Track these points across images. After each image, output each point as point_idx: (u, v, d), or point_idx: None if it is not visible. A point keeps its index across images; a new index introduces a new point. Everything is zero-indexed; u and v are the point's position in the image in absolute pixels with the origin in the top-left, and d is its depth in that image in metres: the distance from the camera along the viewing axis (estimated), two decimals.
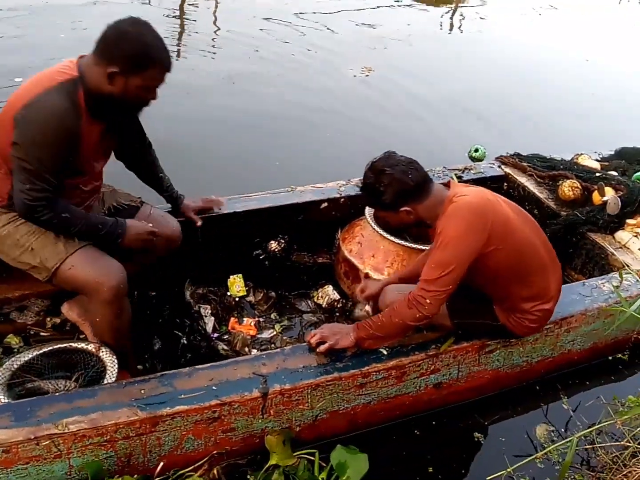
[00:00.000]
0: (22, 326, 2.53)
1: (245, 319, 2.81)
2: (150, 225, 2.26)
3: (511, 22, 8.43)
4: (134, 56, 1.91)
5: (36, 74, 2.01)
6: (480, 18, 8.53)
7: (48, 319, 2.56)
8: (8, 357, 2.37)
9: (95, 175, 2.23)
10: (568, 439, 2.34)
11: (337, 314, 2.90)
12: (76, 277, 2.07)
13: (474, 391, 2.45)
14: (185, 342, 2.57)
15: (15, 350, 2.44)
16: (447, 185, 2.12)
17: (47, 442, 1.77)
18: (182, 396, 1.92)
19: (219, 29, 6.88)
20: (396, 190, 1.98)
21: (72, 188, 2.12)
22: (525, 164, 3.41)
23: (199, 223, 2.63)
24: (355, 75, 5.97)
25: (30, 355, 2.13)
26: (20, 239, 2.09)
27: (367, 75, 6.01)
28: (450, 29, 8.14)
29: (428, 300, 1.98)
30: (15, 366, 2.08)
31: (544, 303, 2.19)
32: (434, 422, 2.41)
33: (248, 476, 2.07)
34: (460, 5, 9.14)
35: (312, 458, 2.11)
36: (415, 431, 2.38)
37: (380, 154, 2.07)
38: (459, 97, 5.71)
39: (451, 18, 8.58)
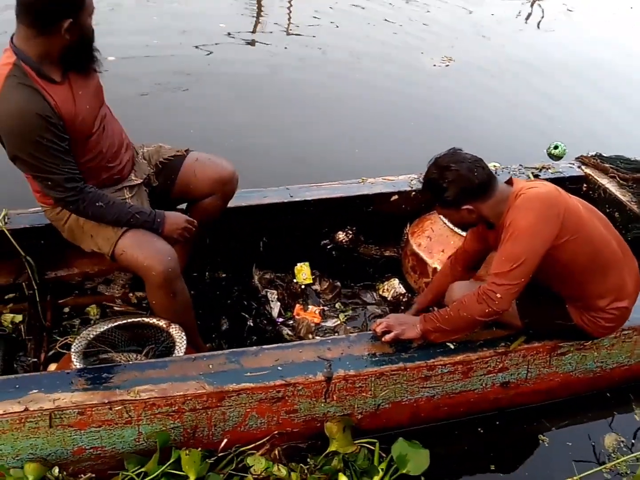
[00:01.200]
0: (109, 299, 2.65)
1: (310, 306, 2.83)
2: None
3: (600, 17, 8.07)
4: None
5: None
6: (568, 10, 8.20)
7: (131, 294, 2.67)
8: (85, 327, 2.50)
9: (107, 134, 2.15)
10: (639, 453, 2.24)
11: (402, 307, 2.87)
12: (128, 261, 2.13)
13: (542, 394, 2.36)
14: (252, 324, 2.61)
15: (92, 321, 2.55)
16: (509, 182, 2.06)
17: (119, 408, 1.85)
18: (249, 374, 1.96)
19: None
20: (460, 188, 1.94)
21: (95, 157, 2.10)
22: (607, 165, 3.25)
23: None
24: (435, 65, 5.89)
25: (105, 327, 2.21)
26: (82, 227, 2.18)
27: (447, 65, 5.91)
28: (534, 21, 7.89)
29: (499, 295, 1.92)
30: (91, 336, 2.17)
31: (620, 300, 2.09)
32: (498, 422, 2.35)
33: (308, 459, 2.08)
34: None
35: (373, 448, 2.10)
36: (479, 429, 2.32)
37: (445, 151, 2.03)
38: (539, 93, 5.54)
39: (531, 8, 8.29)
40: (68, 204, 2.05)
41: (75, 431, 1.85)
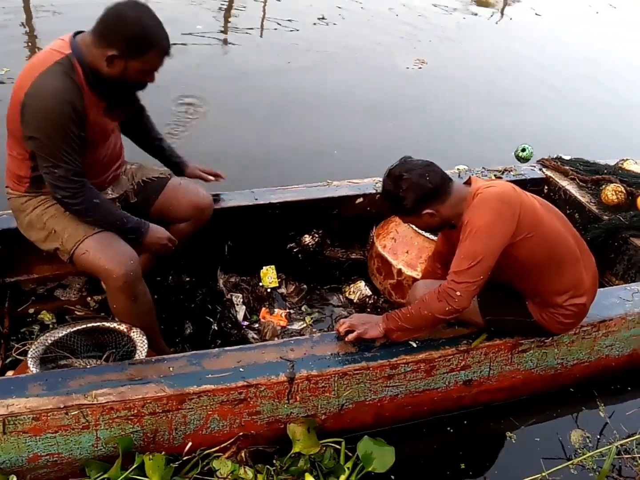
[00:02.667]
0: (68, 303, 2.60)
1: (276, 309, 2.82)
2: (165, 236, 2.25)
3: (566, 19, 8.25)
4: (134, 40, 1.92)
5: (32, 58, 2.02)
6: (536, 14, 8.38)
7: (89, 297, 2.62)
8: (43, 332, 2.44)
9: (108, 145, 2.21)
10: (606, 447, 2.27)
11: (369, 309, 2.87)
12: (89, 262, 2.10)
13: (505, 391, 2.38)
14: (216, 328, 2.59)
15: (49, 325, 2.50)
16: (467, 182, 2.09)
17: (76, 412, 1.80)
18: (210, 376, 1.93)
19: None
20: (416, 194, 1.96)
21: (90, 162, 2.12)
22: (567, 167, 3.33)
23: (211, 178, 2.59)
24: (407, 67, 5.97)
25: (63, 332, 2.16)
26: (45, 222, 2.14)
27: (419, 68, 6.00)
28: (504, 24, 8.04)
29: (458, 293, 1.95)
30: (49, 342, 2.12)
31: (578, 297, 2.12)
32: (465, 421, 2.37)
33: (274, 461, 2.06)
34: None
35: (339, 447, 2.09)
36: (445, 430, 2.33)
37: (396, 161, 2.05)
38: (509, 96, 5.66)
39: (501, 13, 8.46)
40: (67, 196, 2.02)
41: (30, 437, 1.81)
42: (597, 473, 2.21)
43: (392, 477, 2.11)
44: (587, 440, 2.36)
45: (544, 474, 2.17)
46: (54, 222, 2.13)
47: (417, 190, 1.96)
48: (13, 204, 2.20)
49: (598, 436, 2.39)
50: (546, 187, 3.32)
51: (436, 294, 1.99)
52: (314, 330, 2.75)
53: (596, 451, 2.29)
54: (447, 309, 1.97)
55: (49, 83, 1.89)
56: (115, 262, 2.06)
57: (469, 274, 1.93)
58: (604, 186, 3.10)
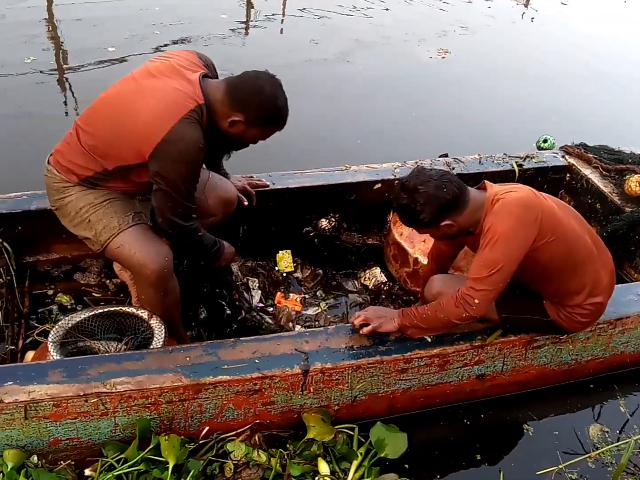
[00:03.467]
0: (87, 286, 2.64)
1: (291, 294, 2.84)
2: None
3: (593, 7, 8.00)
4: (264, 114, 2.05)
5: (157, 91, 2.01)
6: (562, 3, 8.13)
7: (108, 281, 2.65)
8: (64, 314, 2.49)
9: None
10: (624, 441, 2.28)
11: (383, 296, 2.89)
12: (123, 256, 2.13)
13: (518, 385, 2.40)
14: (230, 312, 2.61)
15: (68, 307, 2.54)
16: (481, 187, 2.06)
17: (95, 400, 1.85)
18: (225, 366, 1.96)
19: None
20: (434, 207, 1.92)
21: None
22: (591, 155, 3.25)
23: (246, 203, 2.59)
24: (431, 57, 5.89)
25: (83, 316, 2.20)
26: (82, 208, 2.14)
27: (443, 57, 5.92)
28: (529, 15, 7.83)
29: (476, 300, 1.94)
30: (70, 325, 2.16)
31: (595, 296, 2.11)
32: (480, 411, 2.38)
33: (288, 445, 2.09)
34: None
35: (352, 433, 2.12)
36: (459, 420, 2.35)
37: (409, 172, 2.02)
38: (533, 85, 5.53)
39: (525, 2, 8.22)
40: (186, 230, 2.11)
41: (51, 423, 1.86)
42: (616, 467, 2.21)
43: (406, 465, 2.14)
44: (606, 435, 2.36)
45: (560, 466, 2.18)
46: (90, 211, 2.14)
47: (434, 203, 1.92)
48: (51, 182, 2.18)
49: (617, 431, 2.39)
50: (568, 175, 3.25)
51: (454, 300, 1.98)
52: (328, 316, 2.77)
53: (614, 445, 2.29)
54: (464, 315, 1.97)
55: (188, 131, 1.97)
56: (151, 257, 2.08)
57: (489, 282, 1.92)
58: (627, 176, 3.03)
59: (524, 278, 2.08)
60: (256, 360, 2.00)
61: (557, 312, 2.14)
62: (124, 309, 2.26)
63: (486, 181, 2.06)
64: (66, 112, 4.48)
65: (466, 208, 1.97)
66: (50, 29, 5.73)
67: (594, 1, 8.35)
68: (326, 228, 3.00)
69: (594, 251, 2.11)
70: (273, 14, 6.57)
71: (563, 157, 3.29)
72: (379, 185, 2.97)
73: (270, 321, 2.67)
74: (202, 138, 2.00)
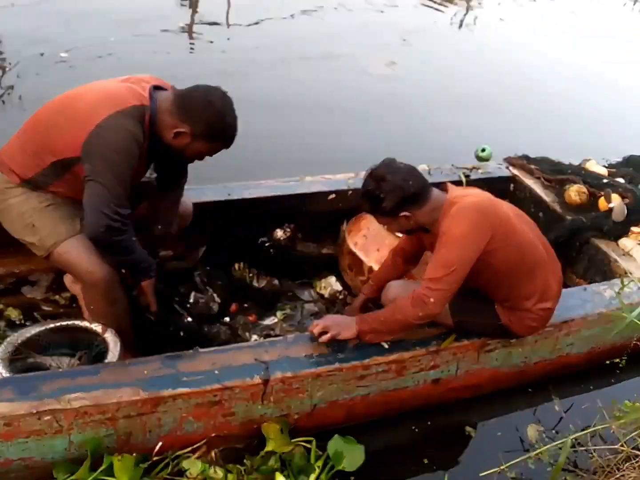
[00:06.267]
0: (31, 301, 2.56)
1: (246, 304, 2.82)
2: None
3: (527, 20, 8.38)
4: (210, 129, 2.02)
5: (104, 86, 2.02)
6: (500, 19, 8.48)
7: (57, 295, 2.58)
8: (12, 330, 2.39)
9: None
10: (561, 441, 2.37)
11: (339, 305, 2.91)
12: (69, 262, 2.09)
13: (471, 389, 2.47)
14: (190, 320, 2.57)
15: (17, 323, 2.45)
16: (443, 189, 2.14)
17: (48, 417, 1.79)
18: (185, 379, 1.94)
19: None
20: (396, 197, 2.00)
21: None
22: (533, 166, 3.41)
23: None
24: (377, 69, 6.03)
25: (34, 331, 2.14)
26: (25, 212, 2.09)
27: (392, 70, 6.07)
28: (466, 27, 8.12)
29: (432, 299, 2.00)
30: (19, 341, 2.09)
31: (545, 301, 2.21)
32: (429, 417, 2.43)
33: (245, 460, 2.09)
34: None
35: (309, 446, 2.13)
36: (412, 427, 2.40)
37: (380, 162, 2.08)
38: (473, 96, 5.73)
39: (464, 16, 8.54)
40: (115, 229, 1.98)
41: (2, 442, 1.78)
42: (554, 466, 2.30)
43: (352, 478, 2.13)
44: (544, 435, 2.46)
45: (503, 467, 2.25)
46: (34, 215, 2.08)
47: (398, 194, 2.00)
48: None
49: (553, 430, 2.49)
50: (512, 185, 3.40)
51: (410, 300, 2.04)
52: (284, 325, 2.77)
53: (552, 444, 2.39)
54: (420, 314, 2.03)
55: (124, 122, 1.93)
56: (98, 264, 2.05)
57: (444, 282, 1.99)
58: (567, 186, 3.20)
59: (477, 282, 2.15)
60: (216, 372, 1.98)
61: (508, 316, 2.22)
62: (76, 323, 2.20)
63: (449, 183, 2.14)
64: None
65: (426, 205, 2.05)
66: None
67: (531, 16, 8.74)
68: (281, 238, 3.02)
69: (546, 258, 2.21)
70: (214, 22, 6.55)
71: (507, 168, 3.44)
72: (333, 195, 3.01)
73: (226, 331, 2.65)
74: (139, 134, 1.95)
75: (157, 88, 2.08)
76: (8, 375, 1.94)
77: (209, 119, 2.01)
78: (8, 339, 2.08)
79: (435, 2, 8.60)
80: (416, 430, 2.40)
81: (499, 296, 2.21)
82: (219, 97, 2.04)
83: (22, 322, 2.50)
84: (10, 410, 1.76)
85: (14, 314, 2.51)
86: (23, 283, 2.61)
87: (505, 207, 2.14)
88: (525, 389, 2.62)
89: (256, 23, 6.70)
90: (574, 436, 2.37)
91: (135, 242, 2.11)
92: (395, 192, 1.99)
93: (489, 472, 2.21)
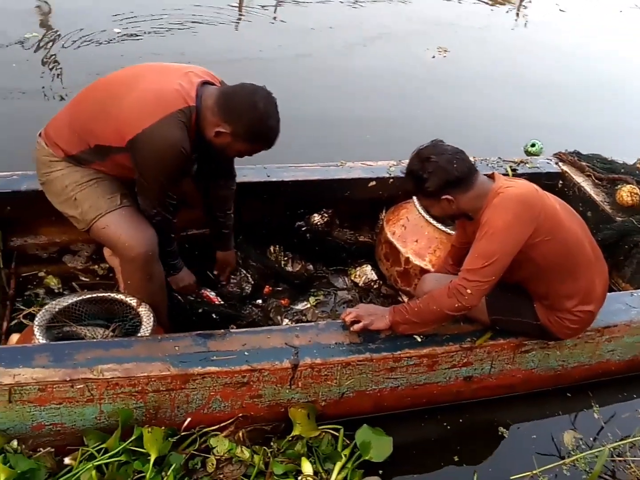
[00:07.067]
0: (70, 270, 2.61)
1: (280, 287, 2.81)
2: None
3: (590, 16, 8.06)
4: (252, 131, 2.00)
5: (155, 83, 2.01)
6: (560, 10, 8.19)
7: (97, 266, 2.62)
8: (50, 297, 2.45)
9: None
10: (598, 449, 2.30)
11: (373, 294, 2.88)
12: (109, 237, 2.11)
13: (504, 388, 2.41)
14: (221, 302, 2.58)
15: (55, 290, 2.50)
16: (491, 176, 2.07)
17: (81, 386, 1.83)
18: (215, 358, 1.95)
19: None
20: (440, 179, 1.96)
21: None
22: (584, 163, 3.28)
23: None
24: (434, 57, 5.92)
25: (71, 301, 2.17)
26: (67, 186, 2.11)
27: (444, 57, 5.95)
28: (522, 17, 7.89)
29: (469, 291, 1.95)
30: (56, 310, 2.12)
31: (587, 304, 2.13)
32: (462, 413, 2.39)
33: (272, 443, 2.09)
34: None
35: (337, 434, 2.12)
36: (443, 422, 2.36)
37: (427, 142, 2.04)
38: (526, 88, 5.58)
39: (518, 8, 8.28)
40: (155, 222, 2.13)
41: (35, 407, 1.83)
42: (589, 474, 2.24)
43: (380, 472, 2.11)
44: (580, 442, 2.39)
45: (535, 471, 2.20)
46: (76, 189, 2.11)
47: (441, 175, 1.96)
48: (40, 155, 2.16)
49: (591, 438, 2.41)
50: (561, 182, 3.27)
51: (446, 290, 2.00)
52: (316, 312, 2.75)
53: (589, 452, 2.32)
54: (456, 305, 1.98)
55: (169, 131, 1.93)
56: (137, 239, 2.06)
57: (482, 273, 1.94)
58: (619, 186, 3.06)
59: (517, 276, 2.09)
60: (246, 353, 1.99)
61: (547, 316, 2.15)
62: (112, 295, 2.23)
63: (496, 173, 2.08)
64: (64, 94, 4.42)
65: (470, 190, 1.99)
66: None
67: (591, 11, 8.42)
68: (318, 223, 2.98)
69: (592, 259, 2.13)
70: (264, 6, 6.50)
71: (556, 164, 3.31)
72: (374, 182, 2.96)
73: (259, 313, 2.66)
74: (185, 141, 1.97)
75: (206, 83, 2.06)
76: (44, 341, 1.97)
77: (251, 121, 1.98)
78: (46, 307, 2.12)
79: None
80: (447, 426, 2.36)
81: (538, 292, 2.14)
82: (262, 98, 2.00)
83: (61, 290, 2.56)
84: (45, 376, 1.80)
85: (53, 282, 2.57)
86: (65, 252, 2.66)
87: (553, 201, 2.07)
88: (562, 393, 2.55)
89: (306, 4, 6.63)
90: (612, 445, 2.31)
91: (165, 241, 2.17)
92: (438, 173, 1.95)
93: (521, 475, 2.18)
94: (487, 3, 8.09)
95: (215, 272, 2.62)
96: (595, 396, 2.56)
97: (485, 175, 2.08)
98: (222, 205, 2.44)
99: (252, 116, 1.97)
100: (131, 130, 1.93)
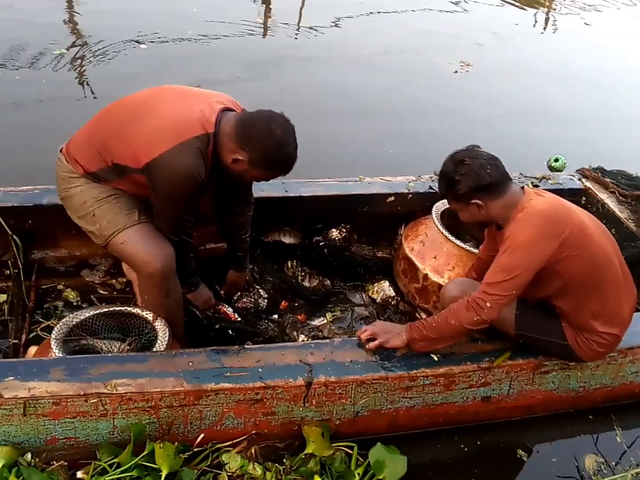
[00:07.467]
0: (89, 284, 2.64)
1: (297, 303, 2.80)
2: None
3: (615, 27, 7.99)
4: (269, 159, 2.00)
5: (175, 107, 2.03)
6: (585, 24, 8.12)
7: (114, 280, 2.64)
8: (69, 310, 2.47)
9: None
10: (621, 474, 2.23)
11: (391, 310, 2.85)
12: (127, 252, 2.12)
13: (523, 409, 2.35)
14: (238, 318, 2.58)
15: (73, 303, 2.52)
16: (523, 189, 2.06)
17: (95, 400, 1.83)
18: (228, 374, 1.94)
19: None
20: (471, 182, 1.95)
21: None
22: (608, 179, 3.22)
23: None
24: (456, 72, 5.92)
25: (88, 314, 2.18)
26: (86, 201, 2.14)
27: (467, 71, 5.94)
28: (550, 30, 7.84)
29: (488, 304, 1.93)
30: (74, 323, 2.14)
31: (613, 326, 2.09)
32: (480, 434, 2.34)
33: (284, 460, 2.07)
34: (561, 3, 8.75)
35: (350, 452, 2.09)
36: (460, 443, 2.31)
37: (464, 147, 2.05)
38: (549, 103, 5.52)
39: (546, 20, 8.22)
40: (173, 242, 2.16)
41: (49, 421, 1.84)
42: None
43: None
44: (602, 466, 2.32)
45: None
46: (94, 205, 2.13)
47: (473, 179, 1.95)
48: (60, 170, 2.19)
49: (613, 462, 2.34)
50: (584, 199, 3.21)
51: (465, 304, 1.98)
52: (333, 328, 2.73)
53: (611, 477, 2.25)
54: (475, 319, 1.96)
55: (184, 158, 1.95)
56: (154, 255, 2.07)
57: (502, 287, 1.92)
58: None
59: (544, 291, 2.06)
60: (259, 370, 1.97)
61: (575, 337, 2.11)
62: (128, 309, 2.24)
63: (526, 187, 2.06)
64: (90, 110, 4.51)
65: (500, 198, 1.98)
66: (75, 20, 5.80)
67: (616, 22, 8.32)
68: (336, 238, 2.98)
69: (621, 281, 2.08)
70: (286, 23, 6.59)
71: (579, 180, 3.26)
72: (392, 198, 2.95)
73: (275, 328, 2.64)
74: (200, 167, 1.97)
75: (227, 109, 2.08)
76: (60, 355, 1.99)
77: (268, 148, 1.98)
78: (63, 320, 2.14)
79: (516, 4, 8.32)
80: (464, 447, 2.31)
81: (565, 309, 2.09)
82: (280, 125, 1.99)
83: (79, 303, 2.58)
84: (60, 390, 1.81)
85: (72, 295, 2.60)
86: (83, 266, 2.69)
87: (583, 216, 2.04)
88: (584, 415, 2.48)
89: (335, 22, 6.68)
90: (635, 471, 2.24)
91: (182, 259, 2.19)
92: (470, 176, 1.94)
93: None
94: (516, 8, 8.03)
95: (222, 292, 2.63)
96: (618, 419, 2.48)
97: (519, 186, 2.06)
98: (238, 230, 2.46)
99: (269, 144, 1.97)
100: (147, 154, 1.95)
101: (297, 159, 2.07)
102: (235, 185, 2.28)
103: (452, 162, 1.99)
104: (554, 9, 8.62)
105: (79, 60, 5.07)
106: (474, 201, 1.98)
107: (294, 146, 2.04)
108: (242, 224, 2.45)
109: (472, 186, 1.95)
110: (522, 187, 2.06)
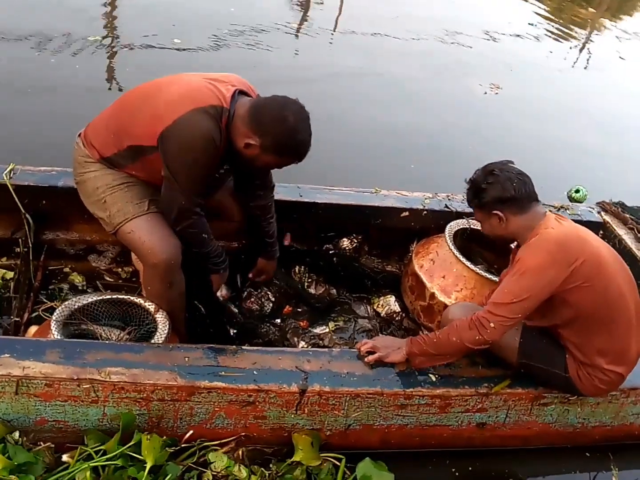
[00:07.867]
0: (95, 269, 2.65)
1: (301, 309, 2.79)
2: None
3: None
4: (281, 145, 1.98)
5: (187, 81, 2.04)
6: (620, 57, 8.05)
7: (120, 268, 2.65)
8: (73, 294, 2.48)
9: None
10: None
11: (394, 326, 2.82)
12: (133, 241, 2.12)
13: (518, 440, 2.31)
14: (241, 319, 2.57)
15: (79, 287, 2.53)
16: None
17: (87, 386, 1.83)
18: (223, 373, 1.93)
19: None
20: (495, 192, 1.98)
21: None
22: (627, 215, 3.17)
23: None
24: (486, 93, 5.89)
25: (91, 299, 2.18)
26: (99, 187, 2.15)
27: (496, 94, 5.91)
28: (582, 63, 7.79)
29: (492, 325, 1.91)
30: (76, 307, 2.14)
31: (619, 365, 2.05)
32: (473, 460, 2.30)
33: (271, 465, 2.05)
34: (596, 33, 8.67)
35: (338, 464, 2.06)
36: (451, 467, 2.28)
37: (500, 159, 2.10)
38: (574, 135, 5.46)
39: (580, 51, 8.17)
40: (186, 226, 2.09)
41: (40, 402, 1.84)
42: None
43: None
44: None
45: None
46: (107, 192, 2.14)
47: (498, 189, 1.98)
48: (77, 154, 2.20)
49: None
50: (601, 232, 3.16)
51: (468, 322, 1.96)
52: (334, 337, 2.71)
53: None
54: (477, 338, 1.94)
55: (201, 119, 1.92)
56: (160, 246, 2.07)
57: (508, 309, 1.90)
58: None
59: (551, 319, 2.04)
60: (255, 372, 1.96)
61: (577, 370, 2.07)
62: (131, 298, 2.24)
63: (549, 212, 2.05)
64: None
65: (522, 215, 1.99)
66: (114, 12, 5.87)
67: None
68: (347, 248, 2.96)
69: (633, 320, 2.04)
70: (322, 28, 6.59)
71: (599, 213, 3.21)
72: (407, 213, 2.92)
73: (276, 333, 2.63)
74: (216, 132, 1.95)
75: (242, 92, 2.07)
76: (59, 337, 1.99)
77: (280, 134, 1.96)
78: (66, 303, 2.14)
79: (553, 35, 8.27)
80: (455, 472, 2.27)
81: (572, 341, 2.05)
82: (294, 112, 1.98)
83: (84, 288, 2.59)
84: (53, 372, 1.81)
85: (78, 279, 2.61)
86: (91, 251, 2.70)
87: (601, 248, 2.01)
88: (581, 451, 2.43)
89: (372, 34, 6.69)
90: None
91: (207, 237, 2.15)
92: (496, 187, 1.98)
93: None
94: (551, 39, 7.99)
95: (250, 275, 2.59)
96: (615, 459, 2.42)
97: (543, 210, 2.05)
98: (263, 213, 2.44)
99: (281, 130, 1.95)
100: (163, 122, 1.94)
101: (310, 146, 2.04)
102: (249, 170, 2.26)
103: (483, 172, 2.04)
104: (591, 41, 8.56)
105: (112, 49, 5.13)
106: (495, 212, 1.99)
107: (308, 133, 2.01)
108: (265, 207, 2.43)
109: (495, 197, 1.98)
110: (545, 212, 2.04)
